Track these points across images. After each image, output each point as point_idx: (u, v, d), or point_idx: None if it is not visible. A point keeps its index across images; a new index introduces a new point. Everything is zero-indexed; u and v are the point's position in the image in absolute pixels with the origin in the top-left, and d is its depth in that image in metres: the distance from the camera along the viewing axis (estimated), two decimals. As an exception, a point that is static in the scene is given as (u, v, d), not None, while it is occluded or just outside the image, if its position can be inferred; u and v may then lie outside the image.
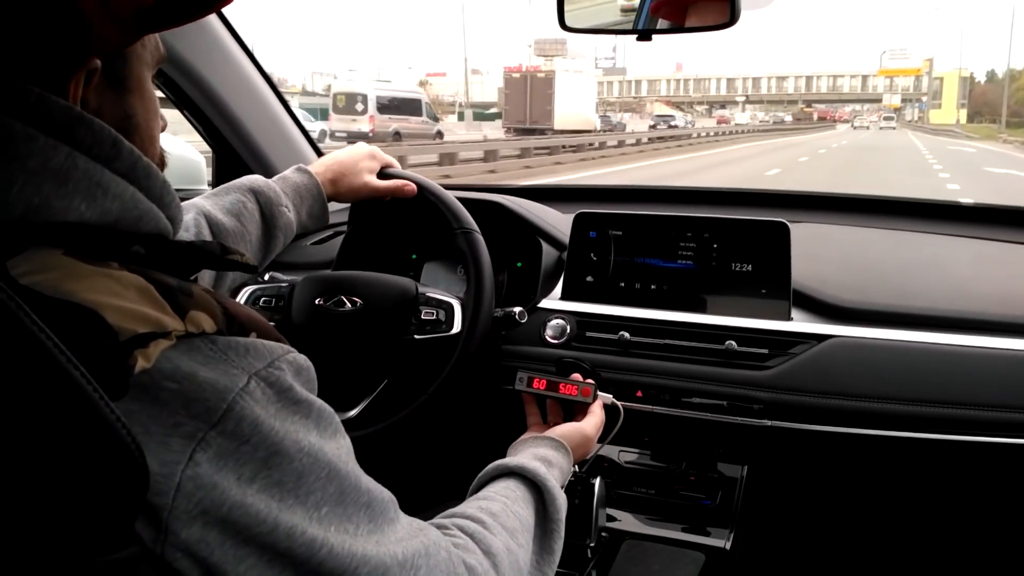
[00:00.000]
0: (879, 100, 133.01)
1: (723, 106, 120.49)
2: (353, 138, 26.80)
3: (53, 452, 0.44)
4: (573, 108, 39.41)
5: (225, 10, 1.55)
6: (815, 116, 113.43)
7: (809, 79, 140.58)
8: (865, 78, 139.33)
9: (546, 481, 0.92)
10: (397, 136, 28.13)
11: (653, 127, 49.93)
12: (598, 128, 42.06)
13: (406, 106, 30.22)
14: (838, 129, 67.95)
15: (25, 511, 0.44)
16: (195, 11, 0.59)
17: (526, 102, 38.58)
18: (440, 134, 31.05)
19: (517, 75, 40.40)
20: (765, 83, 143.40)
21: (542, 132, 33.81)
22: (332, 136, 27.44)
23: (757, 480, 1.34)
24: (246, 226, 1.18)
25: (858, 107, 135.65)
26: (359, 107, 29.03)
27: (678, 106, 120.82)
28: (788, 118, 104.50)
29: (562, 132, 33.17)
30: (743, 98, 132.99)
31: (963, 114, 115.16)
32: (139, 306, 0.51)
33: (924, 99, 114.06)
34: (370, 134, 27.16)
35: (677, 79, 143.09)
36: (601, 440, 1.17)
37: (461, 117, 51.94)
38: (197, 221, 1.12)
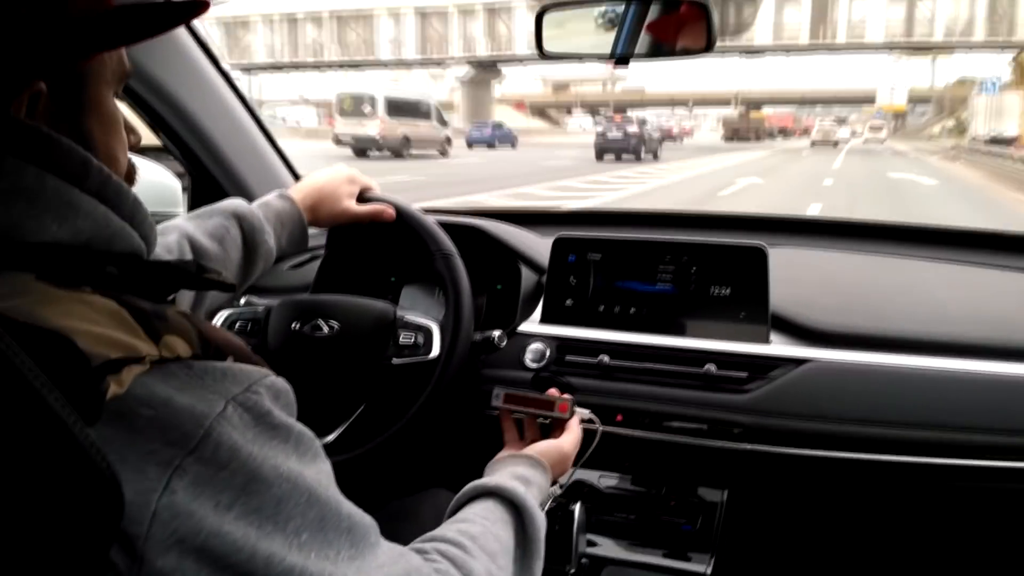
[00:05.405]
0: (870, 100, 70.29)
1: (623, 110, 60.38)
2: (360, 142, 25.96)
3: (25, 477, 0.43)
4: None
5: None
6: (768, 128, 65.64)
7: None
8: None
9: (525, 501, 0.91)
10: (406, 141, 26.71)
11: (602, 135, 27.44)
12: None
13: (415, 109, 27.93)
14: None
15: None
16: (155, 28, 0.58)
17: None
18: (449, 140, 29.44)
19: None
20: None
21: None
22: (338, 141, 25.89)
23: (738, 505, 1.34)
24: (228, 251, 1.17)
25: (842, 114, 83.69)
26: (367, 109, 26.48)
27: (542, 112, 76.31)
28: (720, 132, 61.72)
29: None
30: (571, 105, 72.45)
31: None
32: (112, 331, 0.51)
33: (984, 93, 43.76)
34: (379, 138, 25.93)
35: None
36: (579, 457, 1.16)
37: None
38: (180, 244, 1.11)
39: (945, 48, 54.53)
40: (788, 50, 54.11)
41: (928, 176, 19.77)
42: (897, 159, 29.92)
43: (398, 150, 26.41)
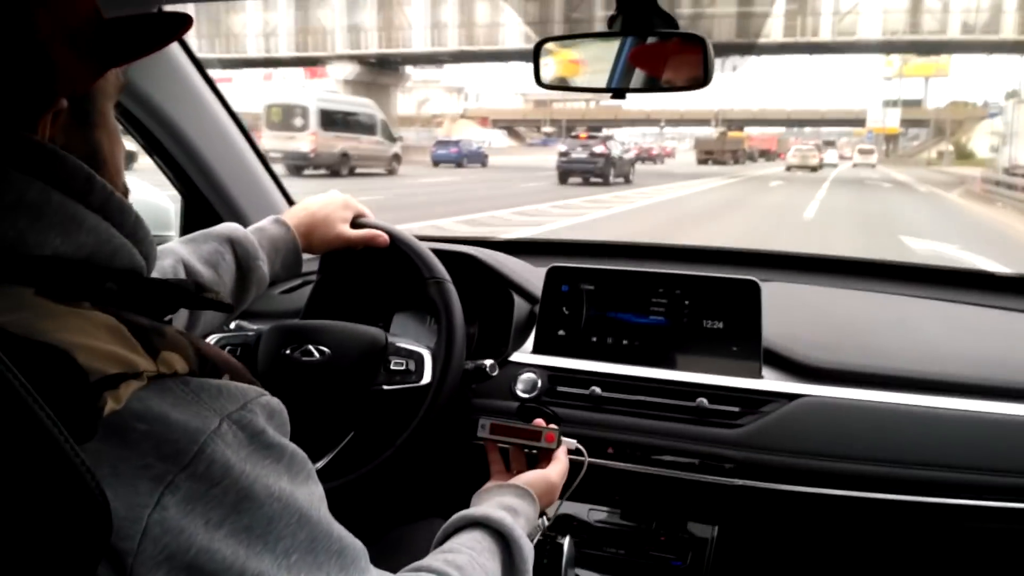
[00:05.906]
0: (860, 122, 65.68)
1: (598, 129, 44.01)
2: (290, 159, 22.09)
3: (13, 493, 0.43)
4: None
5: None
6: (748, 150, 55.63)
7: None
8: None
9: (512, 531, 0.90)
10: (344, 158, 23.91)
11: (566, 156, 24.47)
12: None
13: (355, 122, 25.06)
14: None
15: None
16: (155, 41, 0.60)
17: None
18: (398, 157, 26.69)
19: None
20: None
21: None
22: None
23: (728, 541, 1.33)
24: (222, 277, 1.17)
25: (831, 136, 77.18)
26: (298, 122, 23.29)
27: (509, 130, 72.47)
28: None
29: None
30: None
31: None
32: (110, 346, 0.51)
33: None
34: (311, 154, 22.91)
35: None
36: (567, 487, 1.15)
37: None
38: (176, 269, 1.11)
39: (960, 49, 39.79)
40: (759, 51, 39.07)
41: (976, 250, 10.25)
42: (902, 196, 21.68)
43: (335, 168, 23.64)
